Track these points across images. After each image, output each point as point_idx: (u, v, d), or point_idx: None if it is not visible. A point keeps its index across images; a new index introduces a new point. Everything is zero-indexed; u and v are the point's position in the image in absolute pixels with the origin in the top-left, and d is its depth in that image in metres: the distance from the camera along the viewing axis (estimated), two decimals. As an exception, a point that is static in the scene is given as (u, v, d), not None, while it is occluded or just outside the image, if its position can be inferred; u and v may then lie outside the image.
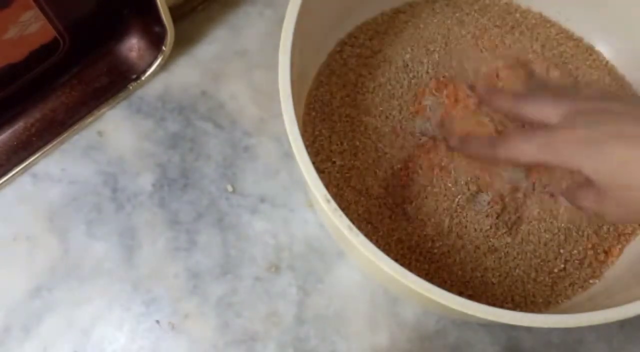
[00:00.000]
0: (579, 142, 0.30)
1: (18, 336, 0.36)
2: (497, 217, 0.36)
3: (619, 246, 0.38)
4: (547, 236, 0.36)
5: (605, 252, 0.37)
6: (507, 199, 0.36)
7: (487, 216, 0.36)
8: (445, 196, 0.36)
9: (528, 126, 0.35)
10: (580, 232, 0.37)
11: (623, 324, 0.39)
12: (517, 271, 0.36)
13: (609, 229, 0.38)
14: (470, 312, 0.27)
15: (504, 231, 0.36)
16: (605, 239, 0.37)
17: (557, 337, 0.38)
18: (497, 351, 0.38)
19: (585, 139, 0.30)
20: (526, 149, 0.32)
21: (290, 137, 0.29)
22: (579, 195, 0.33)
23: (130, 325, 0.37)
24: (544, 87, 0.37)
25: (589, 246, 0.37)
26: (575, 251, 0.37)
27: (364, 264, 0.34)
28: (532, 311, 0.36)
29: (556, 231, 0.37)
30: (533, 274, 0.36)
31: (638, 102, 0.32)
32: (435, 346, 0.37)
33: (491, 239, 0.36)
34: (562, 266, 0.37)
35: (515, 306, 0.36)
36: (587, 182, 0.31)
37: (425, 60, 0.40)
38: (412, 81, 0.39)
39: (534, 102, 0.34)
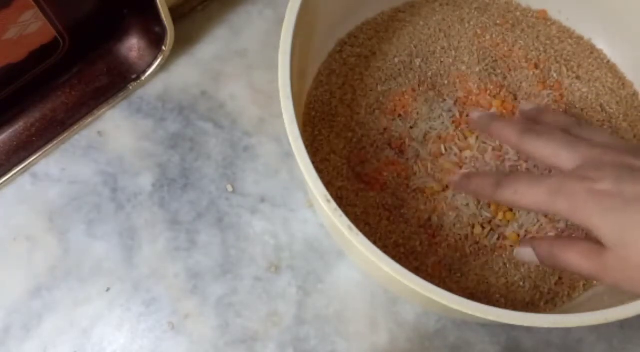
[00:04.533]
0: (598, 197, 0.27)
1: (18, 336, 0.36)
2: (498, 235, 0.36)
3: None
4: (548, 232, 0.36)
5: None
6: (516, 215, 0.36)
7: (491, 229, 0.36)
8: (446, 203, 0.36)
9: (536, 170, 0.32)
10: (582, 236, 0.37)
11: (623, 324, 0.39)
12: (518, 275, 0.36)
13: None
14: (470, 312, 0.27)
15: (509, 245, 0.36)
16: None
17: (557, 337, 0.38)
18: (497, 351, 0.38)
19: (606, 195, 0.27)
20: (533, 193, 0.29)
21: (290, 137, 0.29)
22: (569, 249, 0.29)
23: (130, 325, 0.37)
24: (552, 126, 0.33)
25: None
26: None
27: (364, 264, 0.34)
28: (532, 311, 0.36)
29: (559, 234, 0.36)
30: (534, 278, 0.36)
31: None
32: (435, 346, 0.37)
33: (494, 252, 0.36)
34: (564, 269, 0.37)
35: (516, 306, 0.36)
36: (582, 240, 0.29)
37: (426, 60, 0.40)
38: (413, 81, 0.39)
39: (548, 141, 0.30)
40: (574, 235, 0.34)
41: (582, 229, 0.29)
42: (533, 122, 0.34)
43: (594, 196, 0.27)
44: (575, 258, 0.29)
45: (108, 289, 0.37)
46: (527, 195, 0.29)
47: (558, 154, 0.30)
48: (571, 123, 0.33)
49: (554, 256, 0.30)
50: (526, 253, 0.32)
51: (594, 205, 0.27)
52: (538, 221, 0.36)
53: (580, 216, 0.28)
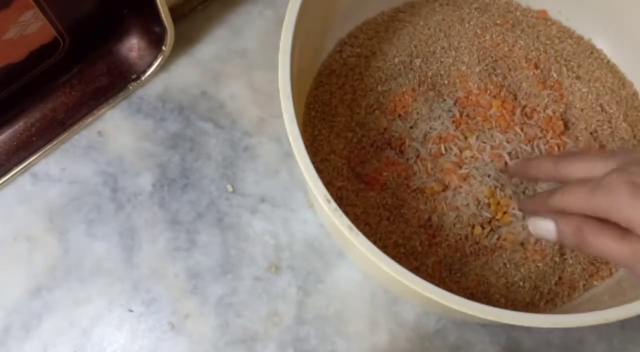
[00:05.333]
0: (633, 188, 0.26)
1: (18, 336, 0.36)
2: (498, 235, 0.36)
3: None
4: (550, 244, 0.36)
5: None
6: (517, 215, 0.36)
7: (491, 230, 0.36)
8: (446, 203, 0.36)
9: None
10: None
11: (623, 324, 0.39)
12: (518, 275, 0.36)
13: None
14: (470, 312, 0.27)
15: (509, 245, 0.36)
16: None
17: (557, 337, 0.38)
18: (497, 351, 0.38)
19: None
20: (576, 193, 0.28)
21: (290, 137, 0.29)
22: (602, 231, 0.28)
23: (130, 325, 0.37)
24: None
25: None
26: (577, 255, 0.37)
27: (364, 263, 0.34)
28: (532, 311, 0.36)
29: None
30: (534, 278, 0.36)
31: None
32: (435, 346, 0.37)
33: (494, 252, 0.36)
34: (564, 269, 0.37)
35: (516, 307, 0.36)
36: (615, 225, 0.27)
37: (426, 60, 0.40)
38: (413, 81, 0.39)
39: (582, 158, 0.30)
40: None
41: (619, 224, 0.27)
42: None
43: (634, 188, 0.26)
44: (607, 242, 0.27)
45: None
46: (571, 195, 0.29)
47: (594, 165, 0.29)
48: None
49: (582, 237, 0.28)
50: (545, 227, 0.30)
51: (632, 198, 0.26)
52: None
53: (617, 208, 0.26)
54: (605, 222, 0.28)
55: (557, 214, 0.30)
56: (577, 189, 0.29)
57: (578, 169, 0.30)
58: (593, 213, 0.28)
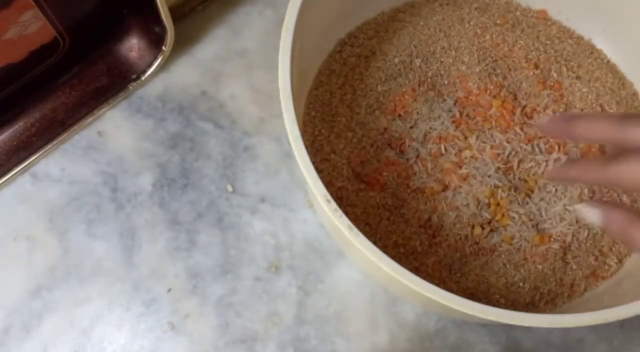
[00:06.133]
0: None
1: (18, 336, 0.36)
2: (497, 236, 0.36)
3: (622, 250, 0.37)
4: (552, 251, 0.36)
5: (609, 257, 0.37)
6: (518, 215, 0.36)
7: (491, 230, 0.36)
8: (446, 203, 0.36)
9: None
10: (583, 239, 0.37)
11: (623, 324, 0.39)
12: (518, 276, 0.36)
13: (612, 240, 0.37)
14: (470, 312, 0.27)
15: (507, 246, 0.36)
16: (608, 243, 0.37)
17: (557, 337, 0.38)
18: (497, 351, 0.38)
19: None
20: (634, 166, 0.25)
21: (290, 137, 0.29)
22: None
23: (130, 325, 0.37)
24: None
25: (593, 251, 0.37)
26: (577, 255, 0.37)
27: (364, 264, 0.34)
28: (532, 311, 0.36)
29: (558, 236, 0.36)
30: (534, 278, 0.36)
31: None
32: (435, 346, 0.37)
33: (494, 252, 0.36)
34: (565, 272, 0.37)
35: (516, 307, 0.36)
36: None
37: (426, 60, 0.40)
38: (413, 81, 0.39)
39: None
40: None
41: None
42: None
43: None
44: None
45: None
46: (632, 170, 0.25)
47: None
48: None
49: (629, 235, 0.25)
50: (592, 214, 0.27)
51: None
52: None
53: None
54: None
55: (604, 203, 0.27)
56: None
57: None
58: None
